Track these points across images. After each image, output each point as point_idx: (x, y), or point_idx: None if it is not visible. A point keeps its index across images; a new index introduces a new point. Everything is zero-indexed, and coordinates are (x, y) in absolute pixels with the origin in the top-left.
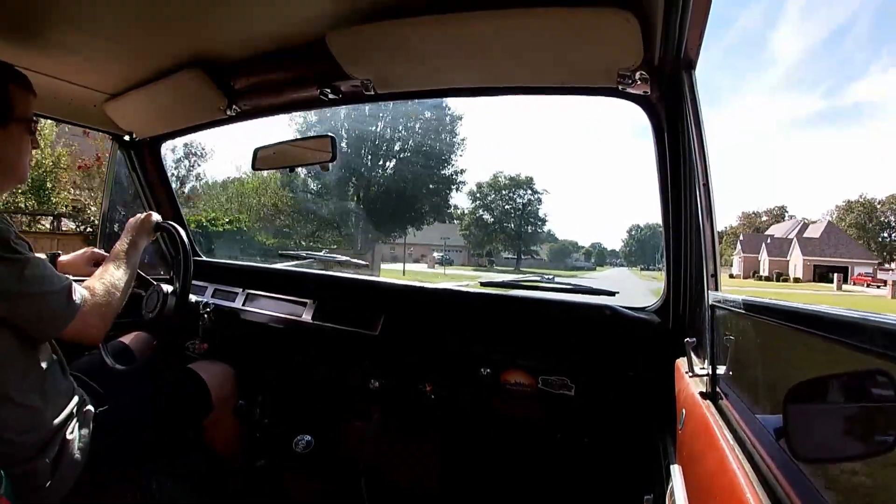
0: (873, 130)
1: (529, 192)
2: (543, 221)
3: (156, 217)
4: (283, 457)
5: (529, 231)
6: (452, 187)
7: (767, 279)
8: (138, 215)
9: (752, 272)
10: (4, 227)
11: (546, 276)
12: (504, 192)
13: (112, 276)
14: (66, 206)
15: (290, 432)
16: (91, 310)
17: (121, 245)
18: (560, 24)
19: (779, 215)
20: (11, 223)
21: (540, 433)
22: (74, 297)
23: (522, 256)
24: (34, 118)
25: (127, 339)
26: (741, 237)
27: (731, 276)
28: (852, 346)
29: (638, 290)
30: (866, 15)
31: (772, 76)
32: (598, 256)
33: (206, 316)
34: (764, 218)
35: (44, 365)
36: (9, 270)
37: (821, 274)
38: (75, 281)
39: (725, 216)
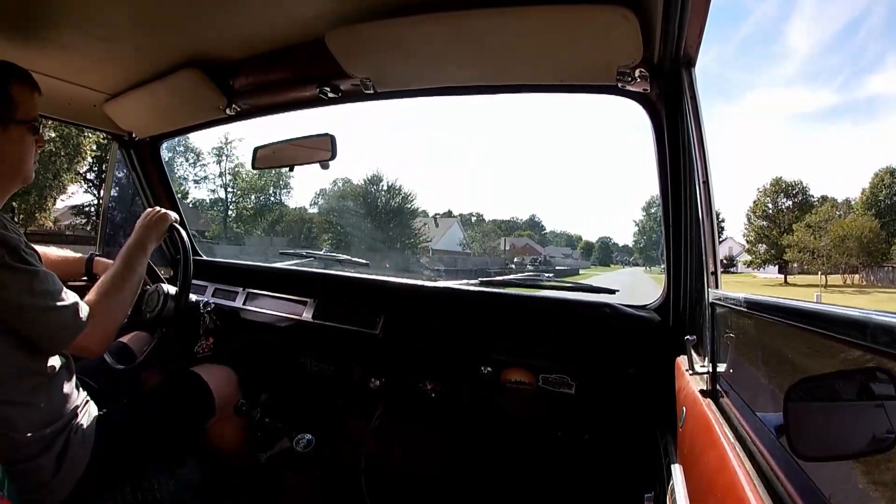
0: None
1: None
2: None
3: (173, 216)
4: (284, 455)
5: None
6: None
7: None
8: (152, 210)
9: None
10: (15, 236)
11: (546, 275)
12: None
13: (117, 290)
14: None
15: (291, 431)
16: (95, 325)
17: (127, 249)
18: (559, 22)
19: None
20: (21, 233)
21: (540, 431)
22: (81, 314)
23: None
24: (38, 118)
25: (126, 338)
26: None
27: None
28: (853, 344)
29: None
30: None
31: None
32: (603, 252)
33: (206, 315)
34: None
35: (50, 366)
36: (18, 280)
37: None
38: (73, 284)
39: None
